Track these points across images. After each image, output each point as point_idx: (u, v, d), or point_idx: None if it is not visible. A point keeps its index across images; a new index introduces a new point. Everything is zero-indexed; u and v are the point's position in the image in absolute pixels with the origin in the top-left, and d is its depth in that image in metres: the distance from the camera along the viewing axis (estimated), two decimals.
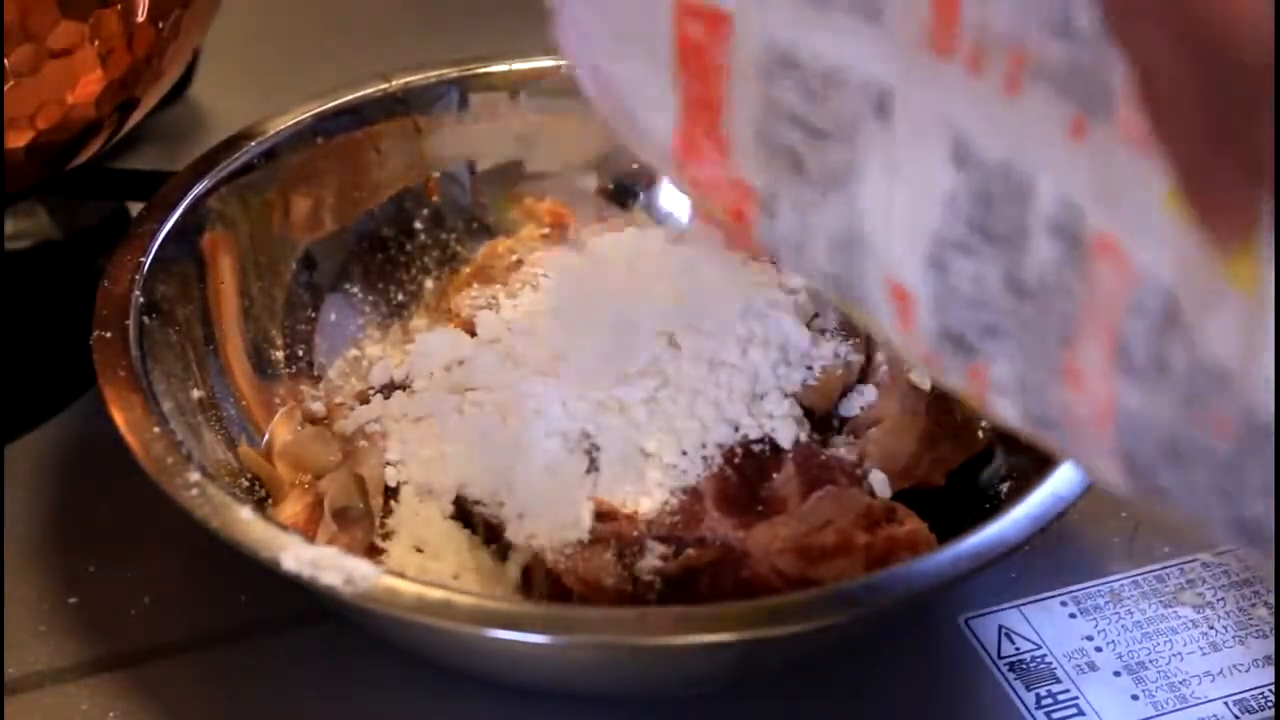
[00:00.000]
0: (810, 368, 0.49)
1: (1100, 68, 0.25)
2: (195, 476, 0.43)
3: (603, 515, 0.46)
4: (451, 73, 0.57)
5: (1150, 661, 0.47)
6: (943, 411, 0.50)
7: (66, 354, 0.53)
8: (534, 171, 0.58)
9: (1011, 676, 0.47)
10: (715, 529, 0.46)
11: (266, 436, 0.51)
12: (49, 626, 0.48)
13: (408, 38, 0.72)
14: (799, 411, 0.49)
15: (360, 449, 0.48)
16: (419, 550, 0.47)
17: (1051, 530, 0.43)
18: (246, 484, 0.49)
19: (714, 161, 0.32)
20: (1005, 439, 0.50)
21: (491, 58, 0.58)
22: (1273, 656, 0.47)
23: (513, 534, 0.46)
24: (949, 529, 0.47)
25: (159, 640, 0.48)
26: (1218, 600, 0.49)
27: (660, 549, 0.45)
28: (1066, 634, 0.48)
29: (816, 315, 0.51)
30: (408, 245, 0.57)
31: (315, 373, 0.54)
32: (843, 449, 0.49)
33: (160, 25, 0.51)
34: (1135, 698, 0.46)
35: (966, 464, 0.50)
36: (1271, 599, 0.49)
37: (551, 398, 0.48)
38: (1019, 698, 0.46)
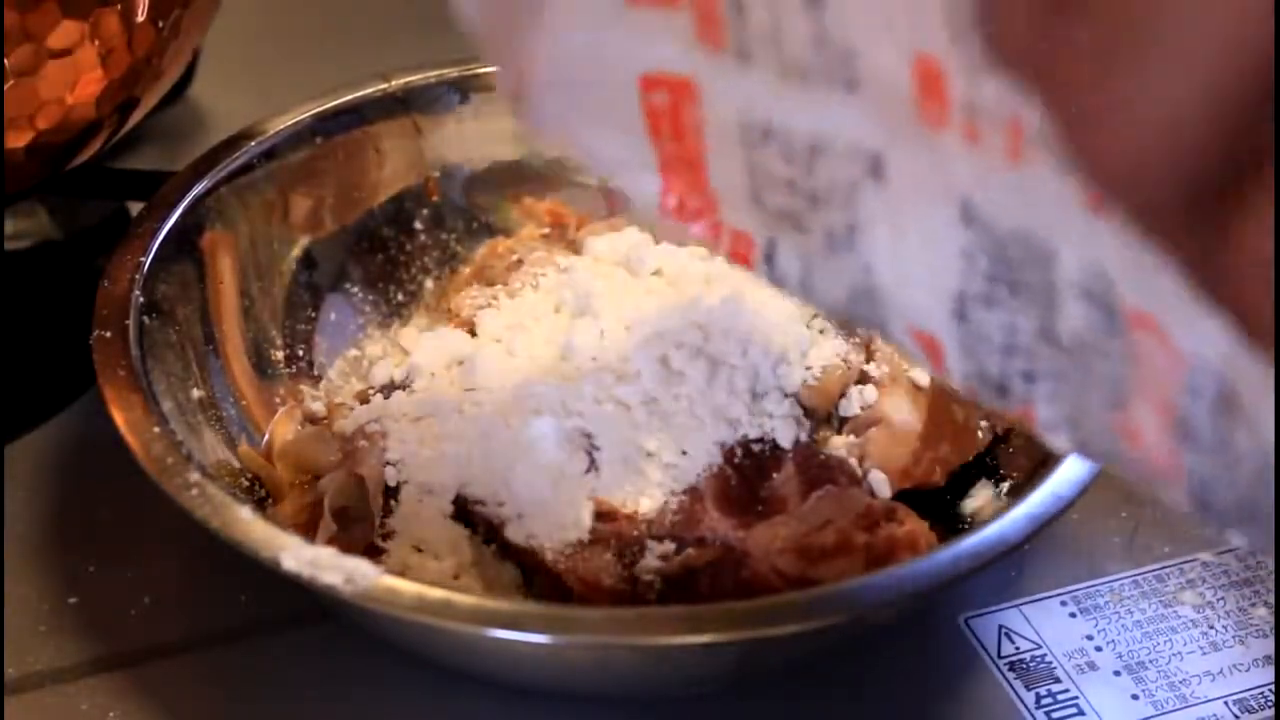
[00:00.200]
0: (810, 368, 0.49)
1: None
2: (195, 476, 0.43)
3: (603, 515, 0.46)
4: (451, 73, 0.57)
5: (1150, 661, 0.47)
6: (943, 411, 0.50)
7: (66, 354, 0.53)
8: (534, 171, 0.58)
9: (1011, 676, 0.47)
10: (715, 529, 0.46)
11: (266, 436, 0.51)
12: (49, 626, 0.48)
13: (408, 38, 0.72)
14: (799, 411, 0.49)
15: (360, 449, 0.48)
16: (419, 550, 0.47)
17: (1051, 530, 0.43)
18: (246, 484, 0.49)
19: (706, 214, 0.32)
20: (1004, 439, 0.50)
21: None
22: (1273, 656, 0.47)
23: (513, 534, 0.46)
24: (949, 529, 0.47)
25: (159, 640, 0.48)
26: (1218, 600, 0.49)
27: (660, 549, 0.45)
28: (1066, 634, 0.48)
29: (816, 315, 0.51)
30: (408, 245, 0.57)
31: (315, 373, 0.54)
32: (843, 449, 0.49)
33: (160, 25, 0.51)
34: (1135, 697, 0.46)
35: (966, 464, 0.50)
36: (1271, 599, 0.49)
37: (551, 398, 0.48)
38: (1019, 698, 0.46)
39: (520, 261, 0.54)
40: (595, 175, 0.34)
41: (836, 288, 0.30)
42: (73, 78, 0.49)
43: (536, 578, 0.46)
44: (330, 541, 0.46)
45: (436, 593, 0.40)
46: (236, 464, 0.49)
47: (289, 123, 0.55)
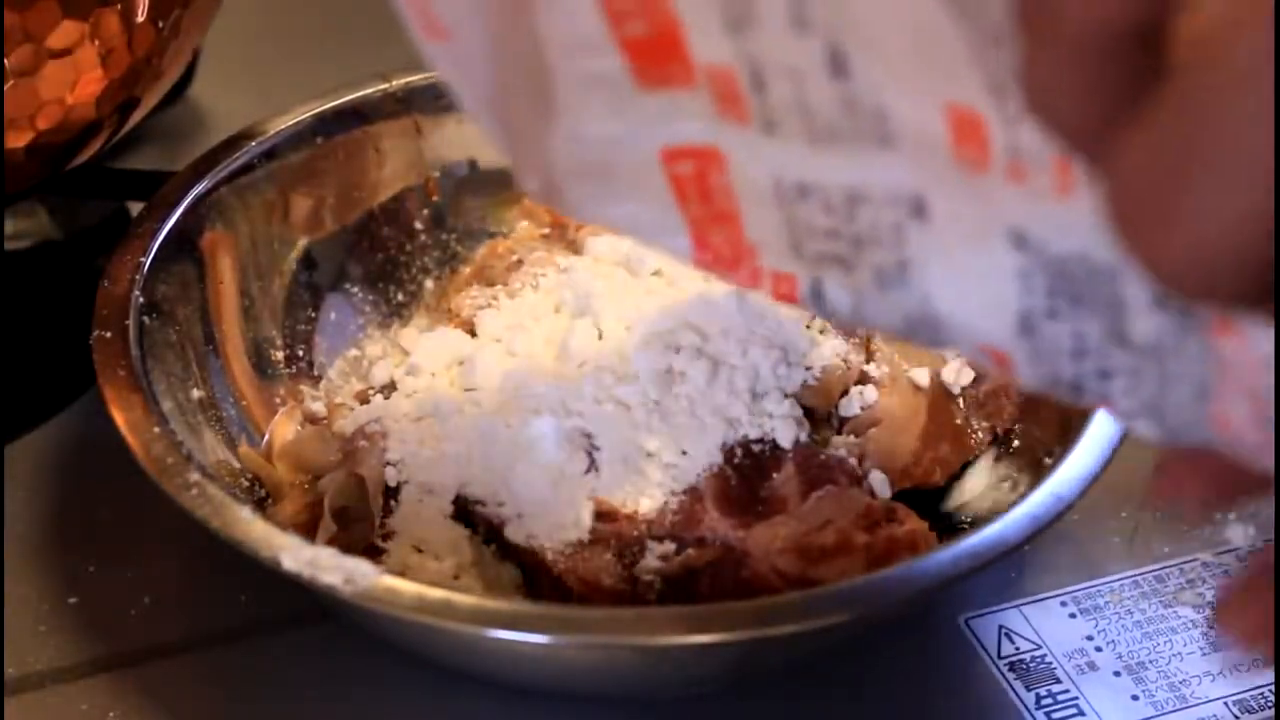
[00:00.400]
0: (810, 368, 0.49)
1: None
2: (195, 476, 0.43)
3: (603, 515, 0.46)
4: None
5: (1150, 661, 0.47)
6: (943, 411, 0.50)
7: (66, 354, 0.53)
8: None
9: (1011, 676, 0.47)
10: (715, 529, 0.46)
11: (266, 436, 0.51)
12: (49, 626, 0.48)
13: (408, 38, 0.71)
14: (799, 411, 0.49)
15: (360, 449, 0.48)
16: (419, 550, 0.46)
17: (1051, 530, 0.43)
18: (246, 484, 0.49)
19: (746, 263, 0.32)
20: (1005, 440, 0.50)
21: None
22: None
23: (513, 534, 0.46)
24: (949, 529, 0.47)
25: (159, 640, 0.48)
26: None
27: (660, 549, 0.45)
28: (1066, 634, 0.48)
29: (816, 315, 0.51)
30: (408, 245, 0.57)
31: (315, 373, 0.54)
32: (843, 449, 0.49)
33: (160, 25, 0.51)
34: (1135, 698, 0.46)
35: (966, 464, 0.50)
36: None
37: (551, 398, 0.48)
38: (1019, 698, 0.46)
39: (520, 261, 0.54)
40: (632, 240, 0.34)
41: (893, 316, 0.30)
42: (73, 78, 0.49)
43: (536, 578, 0.46)
44: (330, 541, 0.46)
45: (436, 593, 0.40)
46: (236, 464, 0.49)
47: (289, 123, 0.55)
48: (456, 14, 0.31)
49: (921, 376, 0.50)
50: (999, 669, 0.47)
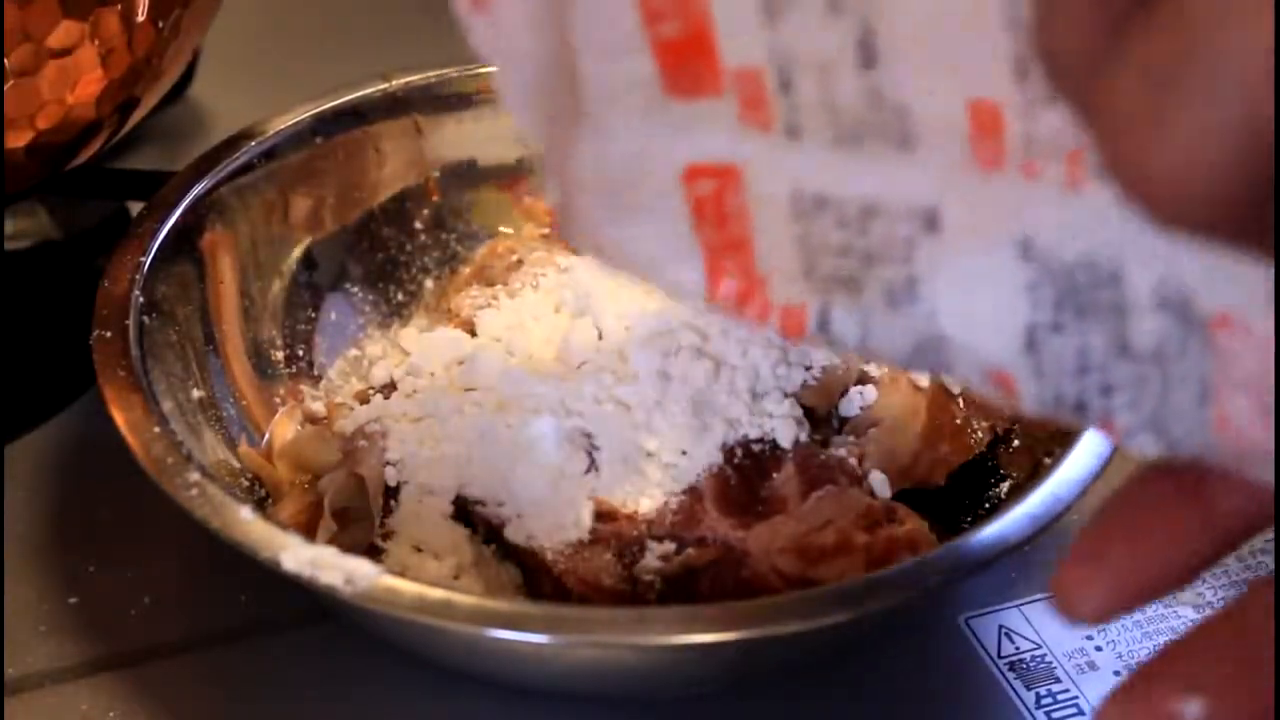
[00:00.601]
0: (810, 368, 0.49)
1: None
2: (195, 476, 0.43)
3: (603, 515, 0.46)
4: (451, 73, 0.57)
5: None
6: (943, 411, 0.50)
7: (66, 354, 0.53)
8: (534, 171, 0.58)
9: (1011, 676, 0.47)
10: (715, 529, 0.46)
11: (266, 436, 0.51)
12: (49, 626, 0.48)
13: (408, 38, 0.72)
14: (799, 411, 0.49)
15: (360, 449, 0.48)
16: (419, 550, 0.47)
17: (1051, 530, 0.43)
18: (246, 484, 0.49)
19: (755, 295, 0.32)
20: (1005, 439, 0.50)
21: None
22: None
23: (513, 534, 0.46)
24: (949, 529, 0.47)
25: (159, 640, 0.48)
26: (1217, 600, 0.49)
27: (660, 549, 0.45)
28: (1066, 634, 0.48)
29: None
30: (408, 245, 0.57)
31: (315, 373, 0.54)
32: (843, 449, 0.49)
33: (160, 25, 0.51)
34: None
35: (966, 464, 0.50)
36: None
37: (551, 398, 0.48)
38: (1019, 698, 0.46)
39: (520, 261, 0.54)
40: (633, 276, 0.34)
41: (901, 341, 0.30)
42: (73, 78, 0.49)
43: (536, 578, 0.46)
44: (330, 541, 0.46)
45: (436, 593, 0.40)
46: (236, 464, 0.49)
47: (289, 123, 0.55)
48: None
49: (921, 377, 0.50)
50: (999, 669, 0.47)
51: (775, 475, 0.47)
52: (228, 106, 0.69)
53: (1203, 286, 0.26)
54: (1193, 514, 0.30)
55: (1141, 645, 0.48)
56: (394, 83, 0.57)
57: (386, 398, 0.50)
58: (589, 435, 0.47)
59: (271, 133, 0.54)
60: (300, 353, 0.54)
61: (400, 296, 0.57)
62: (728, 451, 0.47)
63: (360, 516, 0.47)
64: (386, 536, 0.47)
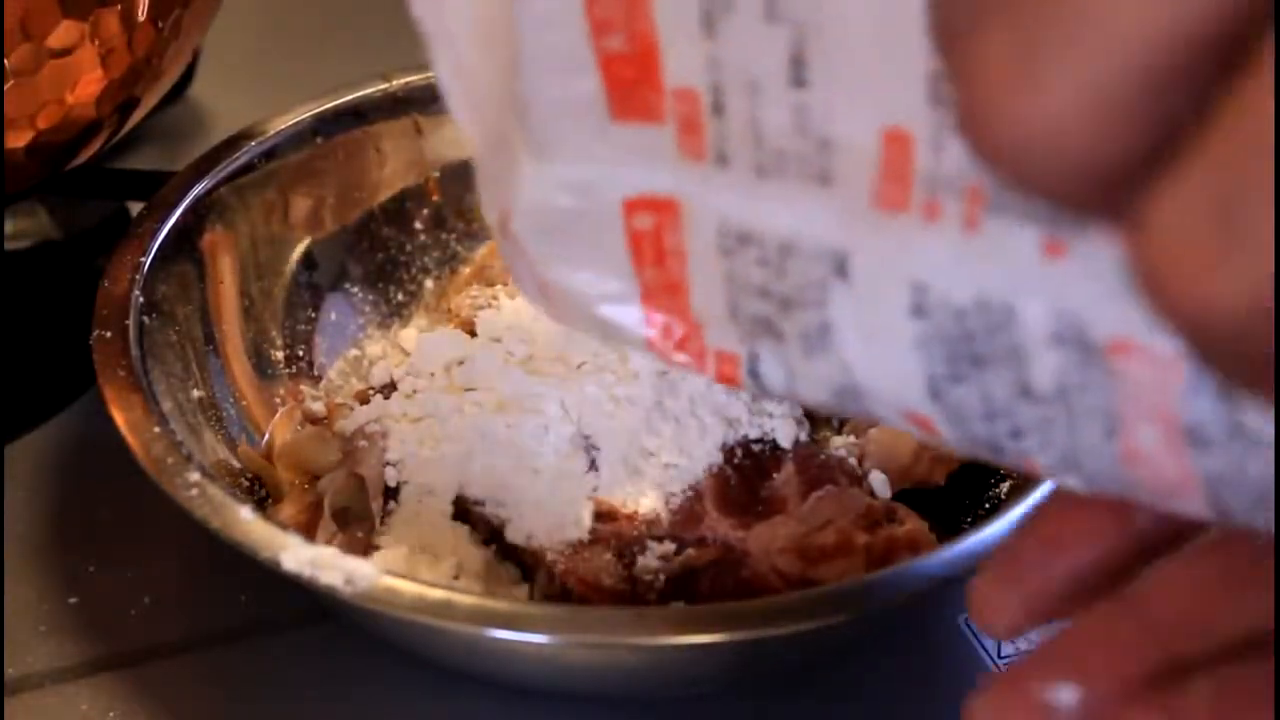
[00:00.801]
0: None
1: None
2: (195, 476, 0.43)
3: (603, 515, 0.46)
4: None
5: None
6: None
7: (66, 354, 0.53)
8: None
9: None
10: (715, 529, 0.46)
11: (266, 436, 0.51)
12: (49, 626, 0.48)
13: (408, 38, 0.72)
14: (799, 411, 0.49)
15: (360, 449, 0.48)
16: (419, 550, 0.47)
17: None
18: (246, 484, 0.49)
19: (691, 340, 0.32)
20: None
21: None
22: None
23: (513, 534, 0.46)
24: (949, 529, 0.47)
25: (159, 640, 0.48)
26: None
27: (660, 549, 0.45)
28: None
29: None
30: (408, 245, 0.57)
31: (315, 373, 0.54)
32: (843, 449, 0.49)
33: (160, 25, 0.51)
34: None
35: (966, 464, 0.50)
36: None
37: (551, 398, 0.48)
38: None
39: None
40: (571, 321, 0.33)
41: (820, 389, 0.31)
42: (73, 78, 0.49)
43: (536, 578, 0.46)
44: (330, 541, 0.46)
45: (436, 593, 0.40)
46: (236, 464, 0.49)
47: (289, 123, 0.55)
48: None
49: None
50: (999, 669, 0.47)
51: (775, 475, 0.47)
52: (228, 106, 0.69)
53: (1095, 312, 0.26)
54: (1110, 526, 0.30)
55: None
56: (394, 83, 0.57)
57: (386, 398, 0.50)
58: (589, 435, 0.47)
59: (271, 133, 0.54)
60: (300, 353, 0.54)
61: (400, 296, 0.57)
62: (728, 451, 0.47)
63: (360, 516, 0.47)
64: (386, 536, 0.47)
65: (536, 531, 0.46)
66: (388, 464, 0.48)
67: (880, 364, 0.29)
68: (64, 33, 0.47)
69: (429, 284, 0.57)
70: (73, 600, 0.49)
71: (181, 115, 0.69)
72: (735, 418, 0.48)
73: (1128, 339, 0.26)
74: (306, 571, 0.40)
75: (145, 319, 0.48)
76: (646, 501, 0.47)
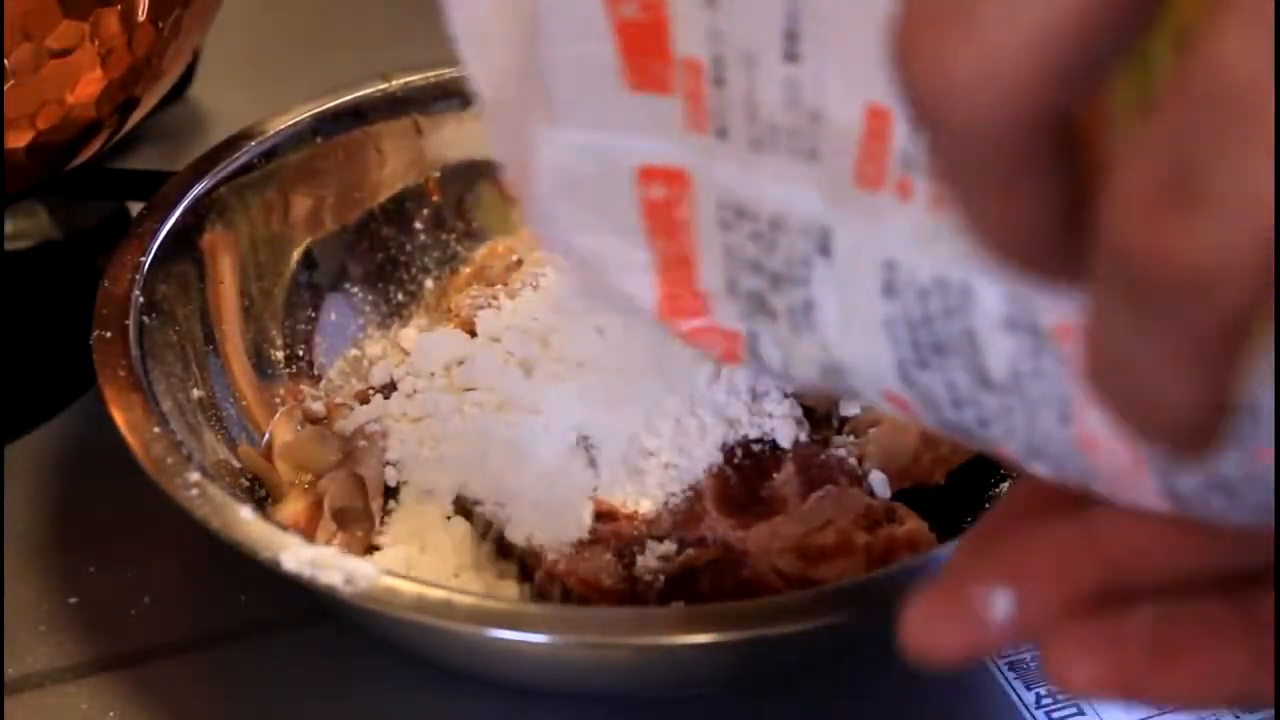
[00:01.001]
0: None
1: None
2: (195, 476, 0.43)
3: (603, 515, 0.46)
4: (452, 72, 0.57)
5: None
6: None
7: (66, 354, 0.53)
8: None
9: (1011, 676, 0.47)
10: (715, 529, 0.46)
11: (266, 436, 0.51)
12: (49, 626, 0.48)
13: (408, 38, 0.72)
14: (799, 411, 0.49)
15: (360, 449, 0.48)
16: (419, 550, 0.47)
17: None
18: (246, 484, 0.49)
19: (699, 315, 0.32)
20: None
21: None
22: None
23: (513, 534, 0.46)
24: (949, 529, 0.47)
25: (159, 640, 0.48)
26: None
27: (660, 549, 0.45)
28: None
29: None
30: (408, 245, 0.57)
31: (315, 373, 0.54)
32: (843, 449, 0.49)
33: (160, 25, 0.51)
34: None
35: (966, 464, 0.50)
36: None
37: (551, 397, 0.48)
38: (1019, 698, 0.46)
39: (520, 261, 0.54)
40: (588, 288, 0.33)
41: (810, 368, 0.31)
42: (73, 78, 0.49)
43: (536, 577, 0.46)
44: (330, 541, 0.46)
45: (436, 593, 0.40)
46: (236, 464, 0.49)
47: (289, 123, 0.55)
48: None
49: None
50: (999, 669, 0.47)
51: (775, 475, 0.47)
52: (228, 106, 0.69)
53: (1043, 296, 0.26)
54: (1070, 540, 0.28)
55: None
56: (394, 83, 0.57)
57: (386, 398, 0.50)
58: (589, 435, 0.47)
59: (271, 133, 0.54)
60: (300, 353, 0.54)
61: (400, 296, 0.57)
62: (728, 451, 0.47)
63: (360, 516, 0.47)
64: (386, 536, 0.47)
65: (536, 531, 0.46)
66: (388, 464, 0.48)
67: (857, 343, 0.29)
68: (64, 33, 0.47)
69: (429, 284, 0.57)
70: (73, 600, 0.49)
71: (181, 115, 0.69)
72: (735, 418, 0.48)
73: (1068, 326, 0.26)
74: (306, 571, 0.40)
75: (145, 319, 0.48)
76: (646, 501, 0.47)
